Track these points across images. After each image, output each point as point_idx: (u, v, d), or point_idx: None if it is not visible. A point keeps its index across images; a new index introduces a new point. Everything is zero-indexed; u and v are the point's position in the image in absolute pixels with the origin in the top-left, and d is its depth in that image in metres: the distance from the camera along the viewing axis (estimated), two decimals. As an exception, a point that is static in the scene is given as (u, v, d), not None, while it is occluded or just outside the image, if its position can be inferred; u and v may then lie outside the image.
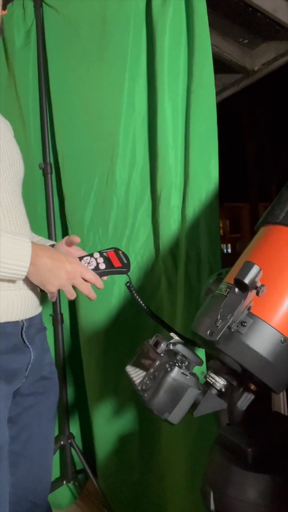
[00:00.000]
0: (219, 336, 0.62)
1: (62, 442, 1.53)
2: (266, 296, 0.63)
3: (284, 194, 0.78)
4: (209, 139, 1.17)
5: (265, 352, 0.65)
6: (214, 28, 1.85)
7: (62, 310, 1.54)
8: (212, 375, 0.71)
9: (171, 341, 0.71)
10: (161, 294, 1.32)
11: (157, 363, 0.68)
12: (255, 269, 0.60)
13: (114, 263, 0.83)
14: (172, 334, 0.74)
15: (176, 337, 0.73)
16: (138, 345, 0.75)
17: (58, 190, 1.52)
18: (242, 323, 0.64)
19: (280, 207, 0.74)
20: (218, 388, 0.70)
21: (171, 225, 1.25)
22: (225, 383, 0.70)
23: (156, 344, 0.71)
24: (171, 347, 0.70)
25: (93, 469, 1.53)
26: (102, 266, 0.82)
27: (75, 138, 1.42)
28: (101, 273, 0.82)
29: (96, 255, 0.84)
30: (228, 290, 0.69)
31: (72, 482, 1.57)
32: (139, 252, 1.38)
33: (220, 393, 0.70)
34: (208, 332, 0.63)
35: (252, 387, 0.72)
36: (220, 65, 2.05)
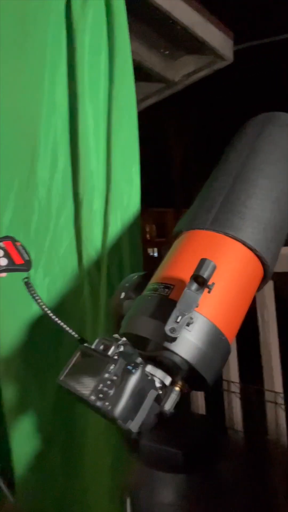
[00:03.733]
0: (180, 333, 0.61)
1: (-24, 462, 1.43)
2: (208, 295, 0.65)
3: (207, 199, 0.81)
4: (130, 146, 1.19)
5: (209, 349, 0.66)
6: (138, 37, 1.88)
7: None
8: None
9: (119, 342, 0.66)
10: (85, 299, 1.30)
11: (112, 367, 0.62)
12: (212, 265, 0.62)
13: (15, 259, 0.78)
14: (115, 335, 0.69)
15: (123, 338, 0.68)
16: (66, 353, 0.70)
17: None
18: (189, 321, 0.64)
19: (205, 212, 0.77)
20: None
21: (93, 230, 1.24)
22: (160, 385, 0.68)
23: (105, 347, 0.66)
24: (122, 348, 0.65)
25: (11, 486, 1.44)
26: (4, 262, 0.77)
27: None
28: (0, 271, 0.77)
29: None
30: (166, 289, 0.70)
31: (-13, 503, 1.47)
32: (62, 256, 1.34)
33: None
34: (169, 329, 0.61)
35: (177, 387, 0.72)
36: (143, 74, 2.11)
